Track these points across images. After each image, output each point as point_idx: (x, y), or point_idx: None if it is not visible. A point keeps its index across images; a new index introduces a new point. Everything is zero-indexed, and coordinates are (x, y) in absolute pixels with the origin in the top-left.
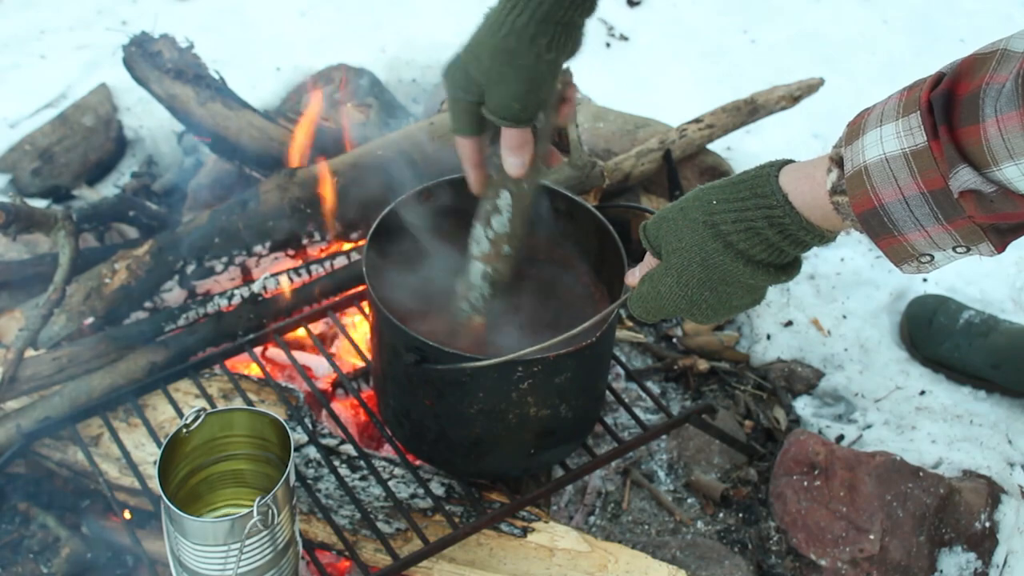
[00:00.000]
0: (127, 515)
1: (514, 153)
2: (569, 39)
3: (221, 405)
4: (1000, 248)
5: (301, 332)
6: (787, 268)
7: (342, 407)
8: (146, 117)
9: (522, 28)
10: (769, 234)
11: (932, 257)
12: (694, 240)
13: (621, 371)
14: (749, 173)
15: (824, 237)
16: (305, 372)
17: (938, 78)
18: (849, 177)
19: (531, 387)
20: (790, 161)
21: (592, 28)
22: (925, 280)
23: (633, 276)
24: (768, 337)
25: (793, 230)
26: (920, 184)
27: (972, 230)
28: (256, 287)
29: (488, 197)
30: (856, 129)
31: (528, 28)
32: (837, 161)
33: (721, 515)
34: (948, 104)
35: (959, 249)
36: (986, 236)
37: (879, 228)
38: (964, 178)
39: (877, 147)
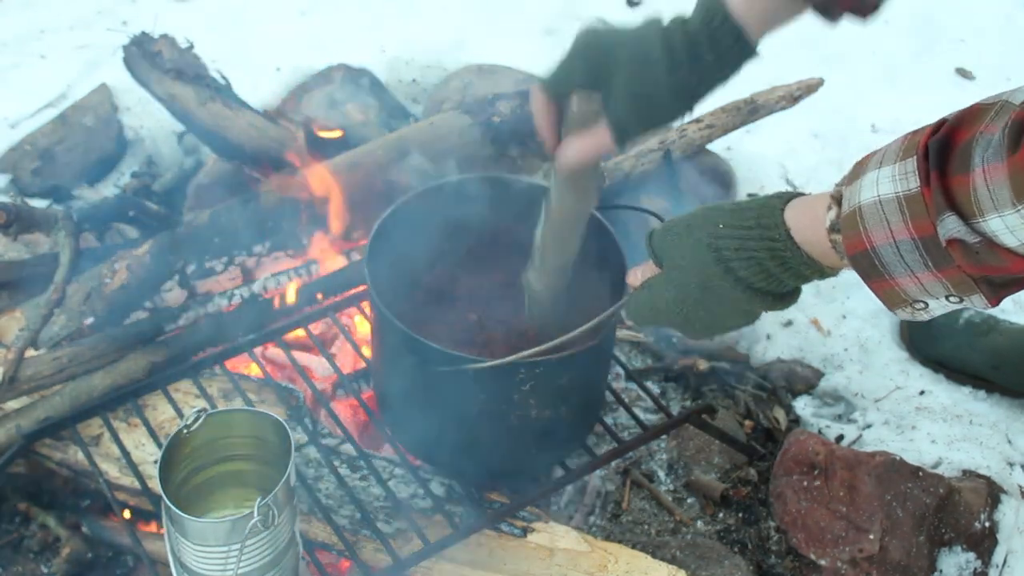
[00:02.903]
0: (127, 515)
1: (578, 147)
2: None
3: (221, 405)
4: (994, 301)
5: (300, 332)
6: (785, 297)
7: (342, 407)
8: (146, 117)
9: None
10: (770, 265)
11: (926, 304)
12: (696, 260)
13: (621, 371)
14: (758, 201)
15: (824, 272)
16: (305, 372)
17: (940, 124)
18: (844, 217)
19: (533, 389)
20: (800, 194)
21: None
22: None
23: (635, 276)
24: (768, 337)
25: (794, 264)
26: (911, 230)
27: (963, 280)
28: (256, 287)
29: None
30: (859, 169)
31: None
32: (837, 199)
33: (721, 515)
34: (944, 151)
35: (952, 298)
36: (978, 288)
37: (870, 270)
38: (950, 227)
39: (872, 189)
